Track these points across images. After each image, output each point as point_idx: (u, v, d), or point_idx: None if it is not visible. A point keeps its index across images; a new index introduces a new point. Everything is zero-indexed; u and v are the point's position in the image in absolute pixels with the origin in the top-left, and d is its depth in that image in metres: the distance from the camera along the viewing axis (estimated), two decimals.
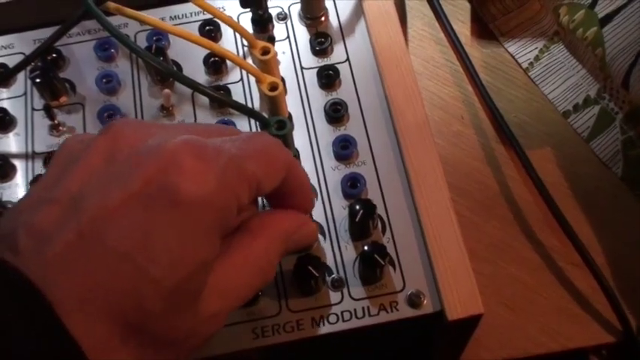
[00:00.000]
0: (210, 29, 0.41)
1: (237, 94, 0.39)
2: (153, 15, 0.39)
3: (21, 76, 0.41)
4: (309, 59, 0.40)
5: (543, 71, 0.50)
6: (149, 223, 0.23)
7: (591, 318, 0.42)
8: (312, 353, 0.36)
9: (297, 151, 0.37)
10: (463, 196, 0.45)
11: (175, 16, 0.42)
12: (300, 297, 0.33)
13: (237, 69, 0.40)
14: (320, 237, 0.35)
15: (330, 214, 0.35)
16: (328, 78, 0.39)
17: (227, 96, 0.39)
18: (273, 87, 0.34)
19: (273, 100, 0.35)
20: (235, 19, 0.41)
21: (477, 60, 0.49)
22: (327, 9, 0.42)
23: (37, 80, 0.38)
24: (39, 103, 0.40)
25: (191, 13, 0.42)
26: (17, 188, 0.37)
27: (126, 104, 0.40)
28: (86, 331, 0.22)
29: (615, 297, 0.41)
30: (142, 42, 0.41)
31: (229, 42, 0.41)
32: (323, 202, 0.36)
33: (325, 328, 0.33)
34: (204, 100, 0.39)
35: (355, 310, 0.33)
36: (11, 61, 0.40)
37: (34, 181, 0.37)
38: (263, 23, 0.41)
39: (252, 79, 0.39)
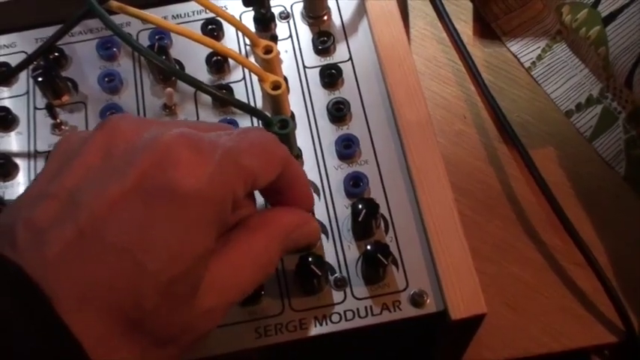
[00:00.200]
0: (212, 28, 0.41)
1: (240, 93, 0.39)
2: (155, 14, 0.39)
3: (23, 75, 0.41)
4: (311, 58, 0.40)
5: (546, 70, 0.50)
6: (146, 218, 0.23)
7: (593, 318, 0.42)
8: (315, 353, 0.36)
9: (300, 150, 0.37)
10: (465, 195, 0.45)
11: (178, 15, 0.42)
12: (303, 296, 0.33)
13: (240, 68, 0.40)
14: (323, 236, 0.35)
15: (333, 213, 0.35)
16: (331, 77, 0.39)
17: (229, 95, 0.39)
18: (276, 86, 0.34)
19: (276, 99, 0.35)
20: (238, 18, 0.41)
21: (479, 59, 0.49)
22: (329, 8, 0.42)
23: (40, 79, 0.38)
24: (41, 102, 0.40)
25: (193, 12, 0.42)
26: (19, 187, 0.37)
27: (128, 103, 0.39)
28: (86, 328, 0.22)
29: (617, 297, 0.41)
30: (144, 41, 0.41)
31: (232, 41, 0.41)
32: (326, 202, 0.36)
33: (328, 328, 0.33)
34: (207, 98, 0.39)
35: (358, 309, 0.33)
36: (13, 60, 0.40)
37: (35, 179, 0.37)
38: (265, 22, 0.41)
39: (255, 78, 0.39)
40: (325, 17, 0.41)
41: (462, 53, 0.48)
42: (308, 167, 0.37)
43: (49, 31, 0.41)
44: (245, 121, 0.38)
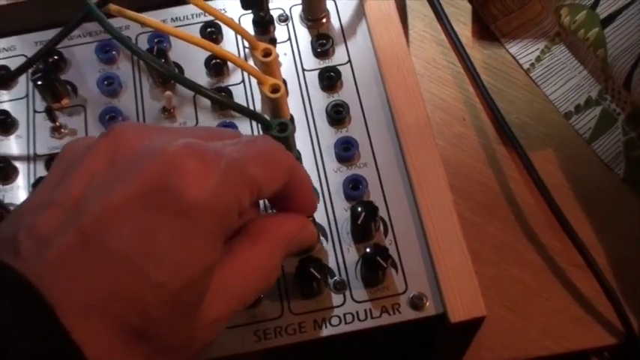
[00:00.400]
0: (211, 31, 0.41)
1: (239, 96, 0.39)
2: (154, 17, 0.39)
3: (22, 79, 0.41)
4: (310, 61, 0.40)
5: (545, 72, 0.50)
6: (151, 227, 0.23)
7: (593, 320, 0.42)
8: (314, 356, 0.36)
9: (299, 153, 0.37)
10: (464, 197, 0.45)
11: (177, 18, 0.42)
12: (302, 299, 0.33)
13: (239, 71, 0.40)
14: (322, 239, 0.35)
15: (332, 216, 0.35)
16: (330, 80, 0.39)
17: (228, 98, 0.39)
18: (275, 89, 0.34)
19: (275, 102, 0.35)
20: (236, 21, 0.41)
21: (478, 61, 0.49)
22: (328, 10, 0.42)
23: (39, 82, 0.38)
24: (40, 105, 0.40)
25: (192, 15, 0.42)
26: (19, 190, 0.37)
27: (127, 106, 0.40)
28: (89, 336, 0.22)
29: (617, 298, 0.41)
30: (143, 44, 0.41)
31: (231, 44, 0.41)
32: (325, 204, 0.36)
33: (327, 331, 0.33)
34: (206, 102, 0.39)
35: (357, 312, 0.33)
36: (13, 63, 0.40)
37: (35, 184, 0.37)
38: (264, 25, 0.41)
39: (254, 81, 0.39)
40: (324, 20, 0.41)
41: (461, 55, 0.48)
42: (307, 170, 0.36)
43: (48, 35, 0.41)
44: (244, 125, 0.38)
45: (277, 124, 0.32)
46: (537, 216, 0.45)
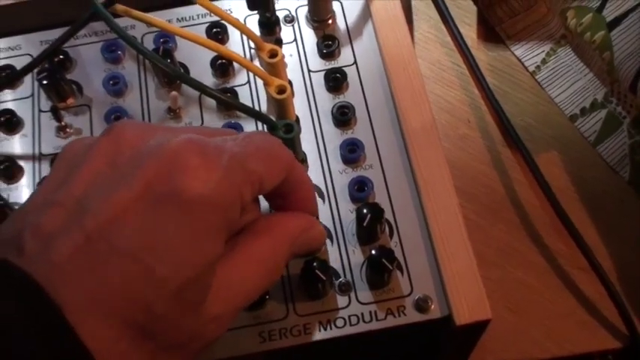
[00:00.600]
0: (217, 31, 0.41)
1: (245, 97, 0.39)
2: (160, 17, 0.39)
3: (28, 78, 0.41)
4: (316, 62, 0.40)
5: (550, 74, 0.50)
6: (155, 223, 0.23)
7: (597, 323, 0.42)
8: (319, 357, 0.36)
9: (305, 155, 0.37)
10: (469, 199, 0.45)
11: (183, 18, 0.42)
12: (308, 301, 0.33)
13: (245, 71, 0.40)
14: (327, 241, 0.35)
15: (338, 217, 0.35)
16: (335, 81, 0.39)
17: (234, 99, 0.39)
18: (281, 90, 0.34)
19: (281, 103, 0.35)
20: (242, 22, 0.41)
21: (483, 63, 0.49)
22: (334, 12, 0.42)
23: (45, 82, 0.38)
24: (46, 104, 0.40)
25: (198, 16, 0.42)
26: (24, 190, 0.37)
27: (133, 106, 0.39)
28: (94, 334, 0.22)
29: (622, 302, 0.41)
30: (149, 44, 0.41)
31: (236, 44, 0.41)
32: (330, 206, 0.36)
33: (332, 332, 0.33)
34: (212, 102, 0.39)
35: (362, 314, 0.33)
36: (18, 63, 0.40)
37: (40, 183, 0.37)
38: (270, 26, 0.41)
39: (260, 81, 0.39)
40: (330, 21, 0.41)
41: (466, 57, 0.48)
42: (313, 171, 0.37)
43: (54, 34, 0.41)
44: (249, 125, 0.38)
45: (283, 125, 0.32)
46: (542, 219, 0.45)
